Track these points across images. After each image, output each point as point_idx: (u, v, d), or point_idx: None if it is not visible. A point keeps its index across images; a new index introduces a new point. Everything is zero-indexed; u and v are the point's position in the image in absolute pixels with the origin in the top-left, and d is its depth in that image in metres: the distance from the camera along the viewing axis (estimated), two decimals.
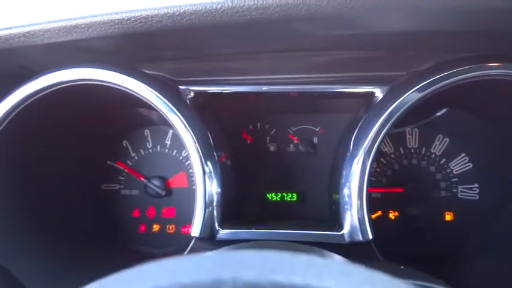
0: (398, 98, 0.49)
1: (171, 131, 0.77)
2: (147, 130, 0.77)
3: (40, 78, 0.51)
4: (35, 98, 0.52)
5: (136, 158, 0.77)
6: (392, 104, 0.49)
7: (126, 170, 0.77)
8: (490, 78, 0.52)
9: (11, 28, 0.49)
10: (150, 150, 0.77)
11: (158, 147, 0.77)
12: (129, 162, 0.77)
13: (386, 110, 0.49)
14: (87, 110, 0.66)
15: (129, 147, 0.78)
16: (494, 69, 0.51)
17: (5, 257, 0.51)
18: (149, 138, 0.78)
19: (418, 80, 0.50)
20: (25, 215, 0.59)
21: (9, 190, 0.56)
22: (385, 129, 0.48)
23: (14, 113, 0.52)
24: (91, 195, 0.76)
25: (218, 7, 0.42)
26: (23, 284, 0.50)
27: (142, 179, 0.76)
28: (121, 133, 0.77)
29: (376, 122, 0.49)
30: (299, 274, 0.17)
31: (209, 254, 0.21)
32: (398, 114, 0.48)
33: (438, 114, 0.72)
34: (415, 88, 0.49)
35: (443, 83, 0.50)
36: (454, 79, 0.51)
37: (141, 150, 0.77)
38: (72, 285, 0.32)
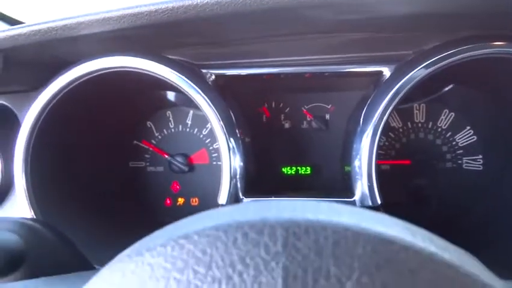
0: (405, 76, 0.53)
1: (191, 112, 0.82)
2: (168, 111, 0.83)
3: (79, 66, 0.57)
4: (74, 84, 0.57)
5: (159, 137, 0.83)
6: (399, 82, 0.53)
7: (151, 149, 0.83)
8: (492, 56, 0.55)
9: (51, 22, 0.54)
10: (173, 130, 0.83)
11: (180, 126, 0.83)
12: (153, 141, 0.83)
13: (393, 87, 0.53)
14: (115, 95, 0.71)
15: (153, 127, 0.83)
16: (495, 47, 0.54)
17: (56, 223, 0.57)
18: (171, 119, 0.83)
19: (424, 58, 0.54)
20: (67, 189, 0.65)
21: (53, 167, 0.63)
22: (392, 105, 0.53)
23: (57, 98, 0.57)
24: (120, 173, 0.82)
25: None
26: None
27: (166, 156, 0.82)
28: (145, 115, 0.83)
29: (384, 98, 0.53)
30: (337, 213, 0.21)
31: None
32: (404, 90, 0.52)
33: (445, 90, 0.75)
34: (421, 66, 0.53)
35: (447, 61, 0.53)
36: (458, 57, 0.54)
37: (164, 130, 0.83)
38: (104, 256, 0.35)
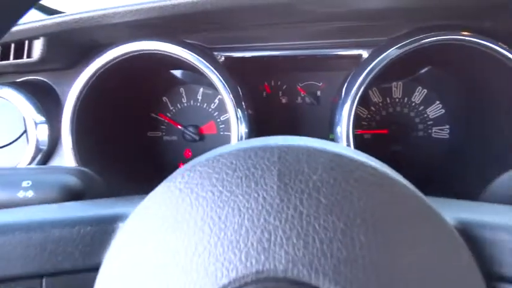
0: (379, 57, 0.65)
1: (201, 89, 0.94)
2: (182, 88, 0.95)
3: (114, 49, 0.69)
4: (109, 64, 0.70)
5: (174, 110, 0.95)
6: (373, 61, 0.65)
7: (166, 120, 0.95)
8: (453, 43, 0.67)
9: (91, 11, 0.66)
10: (185, 104, 0.95)
11: (191, 101, 0.95)
12: (168, 114, 0.95)
13: (368, 66, 0.65)
14: (137, 74, 0.83)
15: (168, 102, 0.95)
16: (453, 35, 0.66)
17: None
18: (184, 95, 0.95)
19: (394, 43, 0.66)
20: (99, 151, 0.78)
21: (91, 132, 0.76)
22: (367, 80, 0.65)
23: (95, 75, 0.70)
24: (140, 141, 0.94)
25: None
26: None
27: (179, 127, 0.94)
28: (161, 91, 0.95)
29: (361, 75, 0.65)
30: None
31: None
32: (378, 68, 0.64)
33: (421, 72, 0.88)
34: (392, 48, 0.65)
35: (413, 45, 0.65)
36: (423, 41, 0.66)
37: (178, 105, 0.95)
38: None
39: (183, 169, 0.31)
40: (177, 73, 0.91)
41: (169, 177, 0.31)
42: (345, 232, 0.27)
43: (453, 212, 0.32)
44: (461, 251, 0.29)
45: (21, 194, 0.52)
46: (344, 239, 0.27)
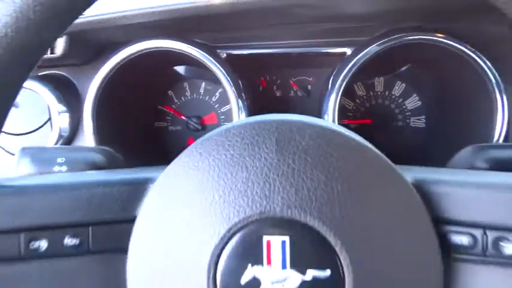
0: (359, 54, 0.75)
1: (203, 83, 1.03)
2: (186, 83, 1.04)
3: (130, 46, 0.78)
4: (125, 60, 0.79)
5: (178, 103, 1.04)
6: (355, 58, 0.75)
7: (171, 112, 1.04)
8: (426, 42, 0.76)
9: (112, 13, 0.75)
10: (188, 97, 1.04)
11: (194, 94, 1.04)
12: (173, 106, 1.04)
13: (350, 62, 0.75)
14: (147, 69, 0.92)
15: (173, 95, 1.04)
16: (427, 35, 0.74)
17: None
18: (187, 89, 1.04)
19: (373, 42, 0.76)
20: (114, 136, 0.88)
21: (108, 120, 0.85)
22: (350, 74, 0.74)
23: (113, 71, 0.80)
24: (148, 131, 1.03)
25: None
26: None
27: (183, 118, 1.04)
28: (167, 85, 1.04)
29: (344, 69, 0.75)
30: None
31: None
32: (359, 63, 0.74)
33: (402, 69, 0.98)
34: (371, 46, 0.75)
35: (390, 43, 0.73)
36: (399, 40, 0.74)
37: (182, 97, 1.04)
38: None
39: (201, 139, 0.38)
40: (182, 69, 1.01)
41: (191, 146, 0.38)
42: (326, 183, 0.36)
43: (412, 173, 0.39)
44: (415, 201, 0.36)
45: (56, 169, 0.60)
46: (325, 188, 0.36)
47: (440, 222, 0.37)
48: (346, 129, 0.39)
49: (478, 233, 0.36)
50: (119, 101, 0.89)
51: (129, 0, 0.76)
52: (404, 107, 0.99)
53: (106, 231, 0.40)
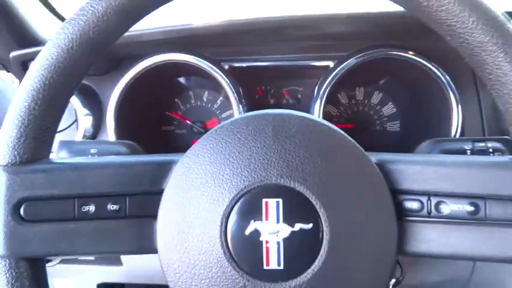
0: (339, 66, 0.86)
1: (206, 92, 1.13)
2: (191, 92, 1.14)
3: (148, 59, 0.90)
4: (143, 71, 0.93)
5: (184, 109, 1.14)
6: (335, 70, 0.86)
7: (177, 117, 1.15)
8: (397, 58, 0.87)
9: (134, 31, 0.89)
10: (193, 104, 1.13)
11: (198, 102, 1.13)
12: (179, 112, 1.14)
13: (332, 73, 0.86)
14: (158, 79, 1.03)
15: (179, 102, 1.15)
16: (398, 51, 0.85)
17: None
18: (192, 97, 1.14)
19: (350, 56, 0.87)
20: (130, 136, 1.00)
21: (127, 122, 0.98)
22: (332, 83, 0.88)
23: (132, 80, 0.93)
24: (156, 133, 1.15)
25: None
26: None
27: (188, 122, 1.14)
28: (174, 93, 1.14)
29: (327, 80, 0.86)
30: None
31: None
32: (339, 75, 0.86)
33: (379, 80, 1.10)
34: (349, 60, 0.86)
35: (365, 58, 0.84)
36: (373, 55, 0.86)
37: (187, 104, 1.14)
38: None
39: (214, 128, 0.46)
40: (187, 80, 1.14)
41: (207, 133, 0.46)
42: (309, 159, 0.43)
43: (375, 156, 0.47)
44: (376, 175, 0.44)
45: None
46: (309, 162, 0.43)
47: (396, 192, 0.45)
48: (326, 121, 0.48)
49: (424, 199, 0.45)
50: (135, 107, 1.01)
51: (144, 21, 0.90)
52: (381, 113, 1.11)
53: (139, 200, 0.48)
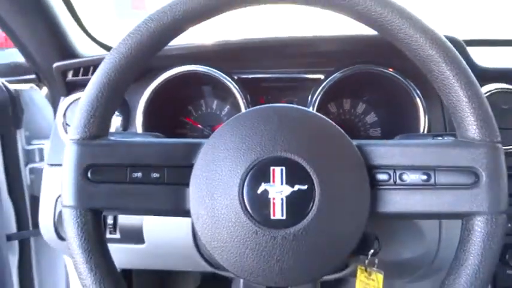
0: (328, 79, 1.03)
1: (215, 101, 1.28)
2: (202, 100, 1.27)
3: (170, 70, 1.07)
4: (165, 81, 1.10)
5: (196, 115, 1.28)
6: (324, 82, 0.99)
7: (190, 122, 1.28)
8: (378, 73, 0.98)
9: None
10: (204, 111, 1.27)
11: (208, 109, 1.26)
12: (192, 118, 1.28)
13: (321, 85, 0.97)
14: (173, 89, 1.07)
15: (192, 110, 1.28)
16: (382, 68, 0.98)
17: None
18: (203, 105, 1.28)
19: (336, 70, 0.99)
20: None
21: (150, 123, 1.15)
22: (321, 94, 1.02)
23: (157, 87, 1.11)
24: (172, 136, 1.32)
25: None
26: None
27: (200, 126, 1.28)
28: (187, 102, 1.27)
29: (317, 90, 0.97)
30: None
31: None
32: (327, 86, 1.01)
33: (363, 92, 1.25)
34: (335, 74, 0.96)
35: (350, 72, 0.97)
36: (356, 70, 0.98)
37: (199, 111, 1.26)
38: None
39: (233, 117, 0.57)
40: (200, 90, 1.31)
41: (227, 121, 0.57)
42: (305, 138, 0.55)
43: (356, 141, 0.57)
44: (356, 154, 0.55)
45: None
46: (304, 140, 0.54)
47: (370, 167, 0.56)
48: (319, 113, 0.59)
49: (391, 171, 0.56)
50: (156, 112, 1.20)
51: None
52: (365, 121, 1.18)
53: (175, 171, 0.58)
